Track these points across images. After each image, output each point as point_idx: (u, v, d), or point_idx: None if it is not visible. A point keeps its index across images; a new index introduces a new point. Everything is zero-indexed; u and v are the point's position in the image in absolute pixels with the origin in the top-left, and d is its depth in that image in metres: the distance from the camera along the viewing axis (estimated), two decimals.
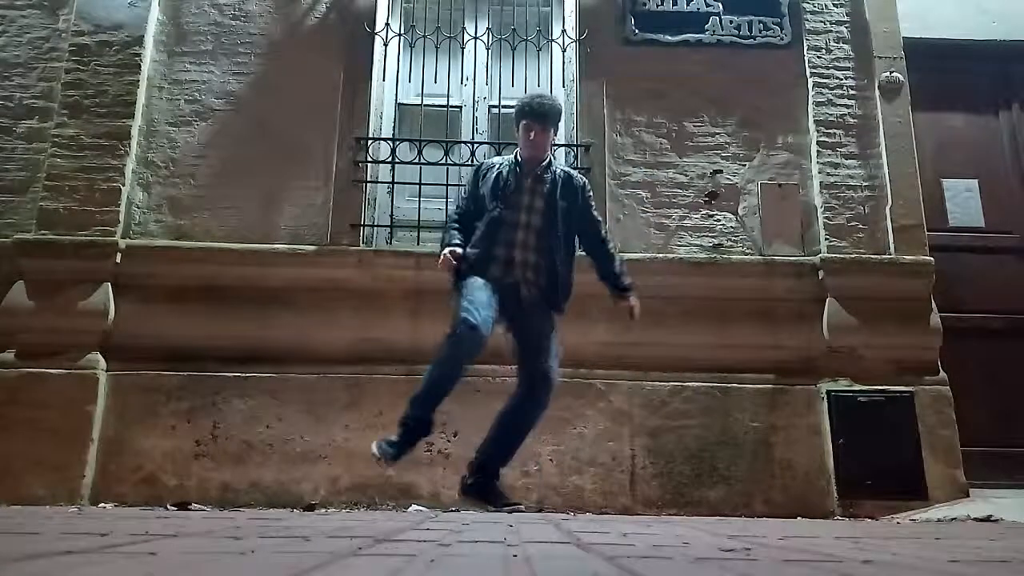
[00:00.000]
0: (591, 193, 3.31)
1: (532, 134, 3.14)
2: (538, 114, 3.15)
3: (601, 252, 3.26)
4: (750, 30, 4.33)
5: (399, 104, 4.31)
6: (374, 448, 2.86)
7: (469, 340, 2.87)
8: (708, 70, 4.26)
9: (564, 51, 4.34)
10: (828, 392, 3.76)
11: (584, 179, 3.35)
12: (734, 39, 4.31)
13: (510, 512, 2.78)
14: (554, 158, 3.39)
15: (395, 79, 4.26)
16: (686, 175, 4.14)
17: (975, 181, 4.38)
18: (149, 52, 4.14)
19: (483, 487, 2.99)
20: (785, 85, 4.25)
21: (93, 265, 3.75)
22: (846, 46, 4.28)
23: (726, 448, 3.71)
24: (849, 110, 4.19)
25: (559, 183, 3.18)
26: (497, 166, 3.23)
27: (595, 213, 3.30)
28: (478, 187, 3.20)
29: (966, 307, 4.12)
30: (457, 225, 3.18)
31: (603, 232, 3.30)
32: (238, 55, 4.21)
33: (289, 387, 3.71)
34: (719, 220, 4.09)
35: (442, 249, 3.11)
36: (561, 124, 4.21)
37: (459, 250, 3.07)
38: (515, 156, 3.25)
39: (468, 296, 2.96)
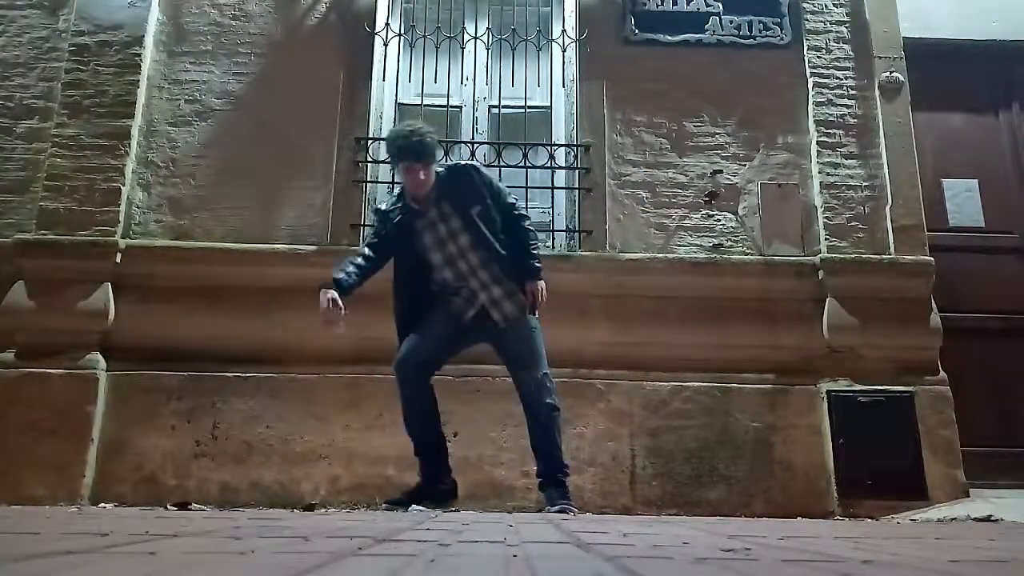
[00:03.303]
0: (480, 172, 3.11)
1: (420, 175, 2.97)
2: (417, 154, 2.96)
3: (512, 222, 3.08)
4: (750, 30, 4.33)
5: (399, 104, 4.31)
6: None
7: (407, 383, 3.00)
8: (708, 70, 4.26)
9: (564, 51, 4.34)
10: (828, 392, 3.76)
11: (465, 164, 3.21)
12: (734, 39, 4.31)
13: (559, 512, 2.81)
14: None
15: (395, 79, 4.26)
16: (686, 175, 4.14)
17: (975, 181, 4.38)
18: (149, 52, 4.14)
19: (558, 496, 2.98)
20: (785, 85, 4.25)
21: (93, 265, 3.75)
22: (846, 46, 4.28)
23: (726, 448, 3.71)
24: (849, 110, 4.19)
25: (454, 191, 3.03)
26: (396, 211, 3.08)
27: (495, 186, 3.11)
28: (386, 227, 3.09)
29: (966, 307, 4.12)
30: (361, 258, 3.07)
31: (509, 200, 3.11)
32: (238, 55, 4.21)
33: (289, 387, 3.71)
34: (719, 220, 4.09)
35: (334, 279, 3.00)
36: (562, 124, 4.28)
37: (335, 292, 2.97)
38: (405, 198, 3.07)
39: (412, 328, 3.07)
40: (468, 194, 3.03)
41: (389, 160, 3.12)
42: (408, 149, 2.96)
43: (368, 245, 3.16)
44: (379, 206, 3.24)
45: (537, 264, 3.06)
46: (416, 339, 3.04)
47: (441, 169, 3.11)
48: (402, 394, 3.03)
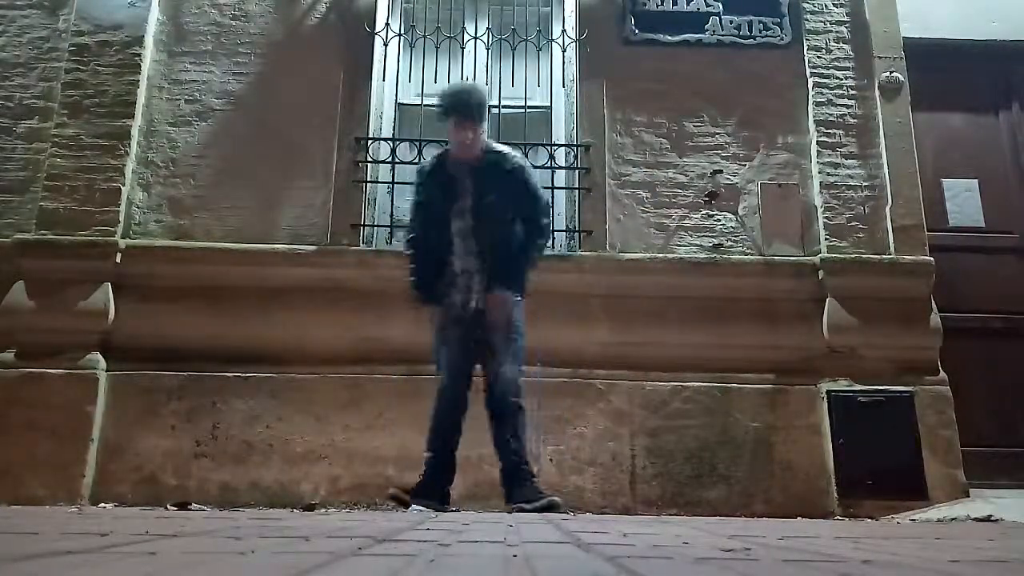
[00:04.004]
0: (524, 171, 3.12)
1: (468, 135, 3.00)
2: (469, 111, 2.99)
3: (528, 229, 3.10)
4: (750, 30, 4.33)
5: (399, 104, 4.31)
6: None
7: (451, 395, 3.01)
8: (708, 70, 4.26)
9: (564, 51, 4.34)
10: (828, 392, 3.76)
11: (518, 159, 3.17)
12: (734, 39, 4.31)
13: (543, 511, 2.78)
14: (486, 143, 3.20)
15: (395, 79, 4.27)
16: (686, 175, 4.14)
17: (975, 181, 4.38)
18: (149, 52, 4.14)
19: (518, 493, 2.94)
20: (785, 85, 4.25)
21: (93, 265, 3.75)
22: (846, 46, 4.28)
23: (726, 448, 3.71)
24: (849, 110, 4.19)
25: (490, 171, 3.03)
26: (435, 170, 3.11)
27: (532, 192, 3.10)
28: (430, 193, 3.11)
29: (966, 307, 4.12)
30: (416, 257, 3.12)
31: (533, 214, 3.10)
32: (238, 55, 4.21)
33: (289, 387, 3.71)
34: (719, 220, 4.09)
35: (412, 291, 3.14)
36: (562, 124, 4.28)
37: (423, 294, 3.10)
38: (446, 163, 3.10)
39: (441, 350, 3.07)
40: (495, 183, 3.03)
41: (440, 112, 3.10)
42: (461, 105, 3.00)
43: (411, 232, 3.19)
44: (422, 167, 3.25)
45: (512, 282, 3.05)
46: (451, 356, 3.05)
47: (496, 148, 3.15)
48: (443, 400, 3.03)
